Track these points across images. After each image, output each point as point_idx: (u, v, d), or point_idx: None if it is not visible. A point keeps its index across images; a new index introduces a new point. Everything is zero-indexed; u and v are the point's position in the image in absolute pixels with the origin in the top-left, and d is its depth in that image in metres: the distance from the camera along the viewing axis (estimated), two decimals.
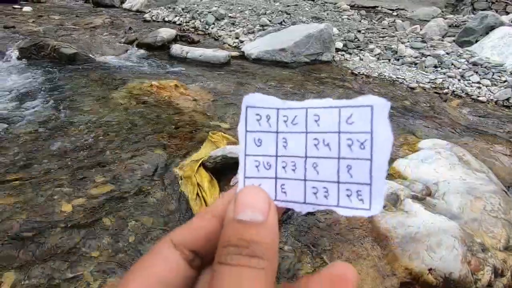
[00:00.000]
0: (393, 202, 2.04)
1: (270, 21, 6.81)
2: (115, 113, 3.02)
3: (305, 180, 0.24)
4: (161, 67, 4.62)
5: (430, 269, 1.60)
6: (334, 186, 0.24)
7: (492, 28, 6.01)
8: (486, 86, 4.65)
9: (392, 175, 2.39)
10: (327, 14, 8.33)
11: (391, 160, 2.61)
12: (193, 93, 3.79)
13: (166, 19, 7.61)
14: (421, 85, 4.70)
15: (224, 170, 2.21)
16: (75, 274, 1.47)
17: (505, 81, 4.68)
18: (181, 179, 2.12)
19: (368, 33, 6.63)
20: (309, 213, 2.11)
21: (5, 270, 1.45)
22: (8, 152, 2.30)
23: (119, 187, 2.06)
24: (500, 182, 2.22)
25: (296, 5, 9.09)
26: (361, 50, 5.91)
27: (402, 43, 5.98)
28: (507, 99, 4.40)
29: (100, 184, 2.07)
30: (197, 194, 1.96)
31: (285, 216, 2.03)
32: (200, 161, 2.18)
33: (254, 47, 5.40)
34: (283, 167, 0.25)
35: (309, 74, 4.91)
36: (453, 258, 1.60)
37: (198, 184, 2.02)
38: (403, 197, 2.04)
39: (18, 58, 4.13)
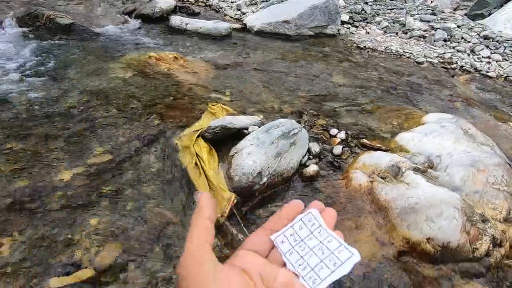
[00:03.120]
0: (394, 174, 2.02)
1: None
2: (112, 84, 2.95)
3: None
4: (159, 39, 4.48)
5: (428, 238, 1.60)
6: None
7: (507, 0, 5.71)
8: (497, 61, 4.48)
9: (393, 149, 2.35)
10: None
11: (394, 135, 2.56)
12: (192, 65, 3.69)
13: None
14: (428, 59, 4.53)
15: (223, 141, 2.18)
16: (72, 238, 1.48)
17: None
18: (180, 149, 2.09)
19: (376, 5, 6.33)
20: (307, 184, 2.09)
21: (4, 235, 1.47)
22: (3, 121, 2.27)
23: (117, 157, 2.04)
24: (505, 155, 2.17)
25: None
26: (367, 23, 5.67)
27: (411, 15, 5.72)
28: None
29: (99, 153, 2.05)
30: (196, 163, 1.94)
31: (285, 186, 2.02)
32: (199, 132, 2.14)
33: (256, 19, 5.19)
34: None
35: (312, 47, 4.75)
36: (453, 228, 1.59)
37: (196, 154, 1.99)
38: (404, 169, 2.01)
39: (12, 28, 4.00)
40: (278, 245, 0.36)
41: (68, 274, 1.31)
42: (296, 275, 0.34)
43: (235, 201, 1.78)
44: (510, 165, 2.04)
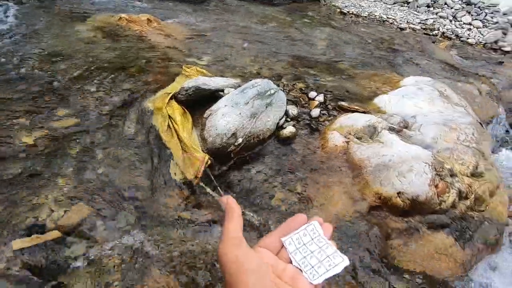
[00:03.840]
0: (370, 134, 2.02)
1: None
2: (79, 46, 2.75)
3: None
4: (132, 1, 4.16)
5: (399, 193, 1.64)
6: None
7: None
8: (477, 28, 4.49)
9: (371, 111, 2.34)
10: None
11: (373, 97, 2.55)
12: (167, 28, 3.47)
13: None
14: (411, 25, 4.48)
15: (198, 104, 2.10)
16: (36, 202, 1.41)
17: (496, 23, 4.52)
18: (152, 112, 2.00)
19: None
20: (284, 146, 2.08)
21: None
22: None
23: (85, 120, 1.93)
24: (476, 115, 2.22)
25: None
26: None
27: None
28: (495, 42, 4.29)
29: (63, 117, 1.94)
30: (168, 126, 1.86)
31: (262, 148, 2.00)
32: (172, 94, 2.04)
33: None
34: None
35: (295, 12, 4.57)
36: (422, 182, 1.63)
37: (169, 116, 1.91)
38: (380, 129, 2.02)
39: None
40: (286, 246, 0.46)
41: (30, 235, 1.26)
42: (300, 270, 0.43)
43: (209, 162, 1.75)
44: (481, 124, 2.08)
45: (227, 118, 1.82)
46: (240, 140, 1.85)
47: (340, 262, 0.44)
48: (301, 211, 1.70)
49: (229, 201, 0.47)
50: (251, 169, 1.89)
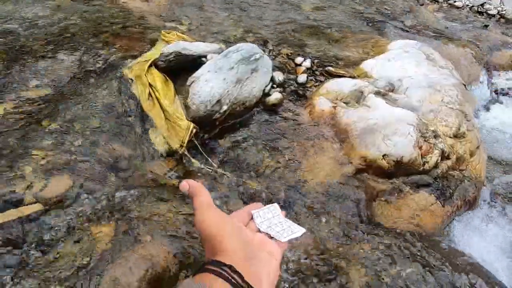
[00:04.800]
0: (356, 98, 2.01)
1: None
2: (46, 11, 2.52)
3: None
4: None
5: (384, 155, 1.67)
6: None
7: None
8: None
9: (358, 76, 2.31)
10: None
11: (360, 62, 2.50)
12: None
13: None
14: None
15: (180, 71, 2.00)
16: (13, 174, 1.35)
17: None
18: (131, 80, 1.90)
19: None
20: (271, 113, 2.04)
21: None
22: None
23: (58, 90, 1.82)
24: (461, 77, 2.23)
25: None
26: None
27: None
28: (482, 5, 4.24)
29: (35, 87, 1.81)
30: (149, 94, 1.78)
31: (248, 116, 1.95)
32: (151, 60, 1.93)
33: None
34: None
35: None
36: (406, 144, 1.65)
37: (150, 85, 1.82)
38: (367, 93, 2.01)
39: None
40: (255, 218, 0.53)
41: (7, 210, 1.22)
42: (267, 235, 0.51)
43: (194, 130, 1.70)
44: (464, 85, 2.10)
45: (210, 84, 1.74)
46: (225, 107, 1.80)
47: (298, 230, 0.53)
48: (289, 176, 1.71)
49: (189, 183, 0.50)
50: (237, 136, 1.86)
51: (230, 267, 0.39)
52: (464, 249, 1.61)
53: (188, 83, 1.87)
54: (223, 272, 0.38)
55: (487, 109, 2.70)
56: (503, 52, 3.18)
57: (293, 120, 1.99)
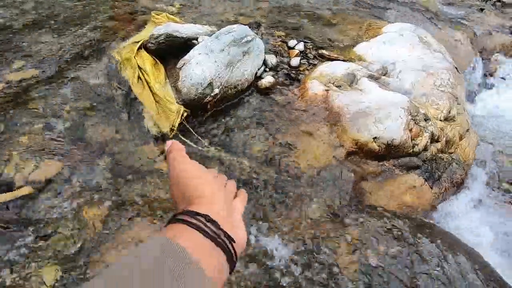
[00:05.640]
0: (349, 82, 2.00)
1: None
2: None
3: None
4: None
5: (375, 138, 1.68)
6: None
7: None
8: None
9: (352, 59, 2.29)
10: None
11: (354, 45, 2.48)
12: None
13: None
14: None
15: (170, 54, 1.96)
16: (3, 157, 1.33)
17: None
18: (121, 63, 1.85)
19: None
20: (263, 96, 2.03)
21: None
22: None
23: (45, 73, 1.77)
24: (453, 61, 2.22)
25: None
26: None
27: None
28: None
29: (21, 68, 1.76)
30: (139, 77, 1.75)
31: (240, 99, 1.94)
32: (141, 42, 1.88)
33: None
34: None
35: None
36: (397, 127, 1.66)
37: (139, 67, 1.78)
38: (360, 76, 2.00)
39: None
40: None
41: None
42: None
43: (185, 114, 1.69)
44: (456, 69, 2.09)
45: (201, 67, 1.72)
46: (216, 90, 1.78)
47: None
48: (281, 158, 1.72)
49: (167, 142, 0.51)
50: (229, 120, 1.86)
51: (205, 216, 0.35)
52: (451, 229, 1.65)
53: (178, 65, 1.84)
54: (196, 222, 0.34)
55: (480, 92, 2.71)
56: (497, 36, 3.17)
57: (286, 103, 1.98)
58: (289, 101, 2.00)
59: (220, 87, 1.79)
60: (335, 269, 1.34)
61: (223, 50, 1.79)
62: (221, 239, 0.35)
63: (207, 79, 1.72)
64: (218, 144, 1.72)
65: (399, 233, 1.48)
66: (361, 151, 1.71)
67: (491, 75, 2.87)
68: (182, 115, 1.66)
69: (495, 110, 2.52)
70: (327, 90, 1.97)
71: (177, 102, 1.70)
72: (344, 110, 1.83)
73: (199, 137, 1.66)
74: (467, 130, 1.93)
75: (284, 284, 1.28)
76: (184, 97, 1.71)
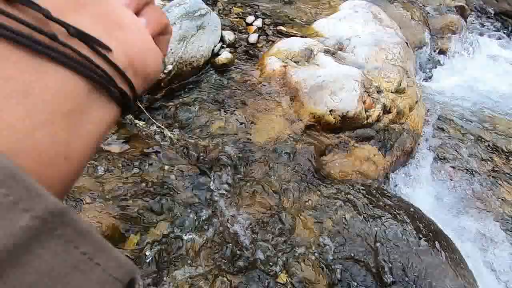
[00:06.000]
0: (306, 57, 2.01)
1: None
2: None
3: None
4: None
5: (331, 110, 1.71)
6: None
7: None
8: None
9: (310, 35, 2.30)
10: None
11: (312, 21, 2.48)
12: None
13: None
14: None
15: None
16: None
17: None
18: None
19: None
20: (221, 73, 1.98)
21: None
22: None
23: None
24: (404, 36, 2.32)
25: None
26: None
27: None
28: None
29: None
30: None
31: (197, 76, 1.87)
32: None
33: None
34: None
35: None
36: (351, 99, 1.71)
37: None
38: (316, 52, 2.01)
39: None
40: None
41: None
42: None
43: None
44: (407, 43, 2.19)
45: None
46: (170, 67, 1.70)
47: None
48: (240, 135, 1.71)
49: None
50: (186, 98, 1.79)
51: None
52: (402, 195, 1.76)
53: None
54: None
55: (430, 68, 2.88)
56: (447, 16, 3.35)
57: (244, 80, 1.95)
58: (247, 78, 1.97)
59: (174, 63, 1.71)
60: (293, 234, 1.38)
61: (174, 23, 1.70)
62: (67, 49, 0.17)
63: None
64: (174, 123, 1.66)
65: (355, 200, 1.54)
66: (318, 124, 1.74)
67: (441, 52, 3.05)
68: None
69: (443, 84, 2.69)
70: (285, 66, 1.96)
71: None
72: (302, 85, 1.84)
73: (151, 118, 1.59)
74: (416, 102, 2.05)
75: (245, 245, 1.30)
76: None
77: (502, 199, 1.89)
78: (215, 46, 1.98)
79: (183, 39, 1.72)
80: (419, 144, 2.01)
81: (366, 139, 1.78)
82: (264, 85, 1.92)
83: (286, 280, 1.30)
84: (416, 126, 2.00)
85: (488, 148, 2.17)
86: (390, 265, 1.31)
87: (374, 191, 1.64)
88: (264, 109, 1.81)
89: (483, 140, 2.23)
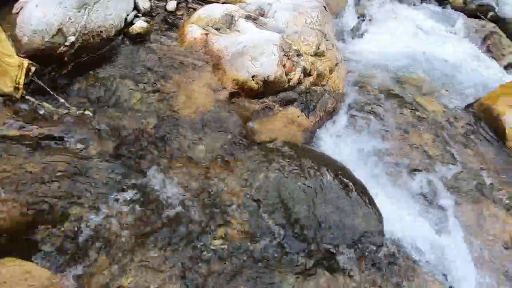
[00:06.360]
0: (227, 24, 1.97)
1: None
2: None
3: None
4: None
5: (253, 76, 1.73)
6: None
7: None
8: None
9: (231, 1, 2.24)
10: None
11: None
12: None
13: None
14: None
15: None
16: None
17: None
18: None
19: None
20: (137, 44, 1.85)
21: None
22: None
23: None
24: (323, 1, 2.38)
25: None
26: None
27: None
28: None
29: None
30: None
31: (109, 48, 1.72)
32: None
33: None
34: None
35: None
36: (271, 63, 1.74)
37: None
38: (237, 17, 1.98)
39: None
40: None
41: None
42: None
43: (33, 69, 1.41)
44: (325, 7, 2.26)
45: (42, 9, 1.42)
46: (72, 38, 1.53)
47: None
48: (163, 108, 1.65)
49: None
50: (99, 72, 1.65)
51: None
52: (325, 150, 1.90)
53: (14, 10, 1.49)
54: None
55: (353, 32, 3.04)
56: None
57: (163, 50, 1.85)
58: (167, 48, 1.87)
59: (77, 34, 1.54)
60: (224, 198, 1.42)
61: None
62: None
63: (54, 25, 1.45)
64: (83, 102, 1.53)
65: (282, 159, 1.62)
66: (242, 91, 1.76)
67: (361, 16, 3.22)
68: (29, 70, 1.39)
69: (362, 47, 2.87)
70: (206, 34, 1.90)
71: (18, 55, 1.40)
72: (224, 52, 1.82)
73: (56, 96, 1.44)
74: (337, 64, 2.17)
75: (177, 214, 1.31)
76: (27, 48, 1.42)
77: (412, 145, 2.15)
78: (127, 15, 1.83)
79: (83, 6, 1.55)
80: (340, 103, 2.15)
81: (289, 102, 1.85)
82: (186, 54, 1.85)
83: (219, 242, 1.35)
84: (337, 87, 2.14)
85: (400, 102, 2.43)
86: (312, 210, 1.43)
87: (299, 150, 1.74)
88: (186, 80, 1.76)
89: (396, 95, 2.48)
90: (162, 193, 1.39)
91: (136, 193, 1.36)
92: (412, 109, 2.41)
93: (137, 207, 1.33)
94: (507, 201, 1.80)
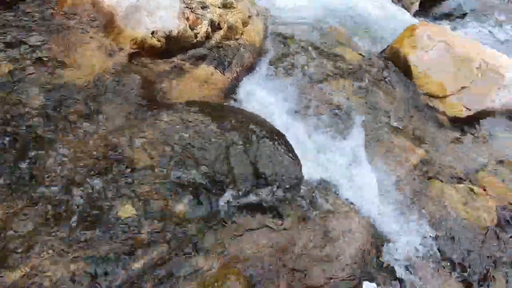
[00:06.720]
0: None
1: None
2: None
3: None
4: None
5: (153, 32, 1.57)
6: None
7: None
8: None
9: None
10: None
11: None
12: None
13: None
14: None
15: None
16: None
17: None
18: None
19: None
20: (10, 9, 1.54)
21: None
22: None
23: None
24: None
25: None
26: None
27: None
28: None
29: None
30: None
31: None
32: None
33: None
34: None
35: None
36: (171, 16, 1.60)
37: None
38: None
39: None
40: None
41: None
42: None
43: None
44: None
45: None
46: None
47: None
48: (50, 78, 1.42)
49: None
50: None
51: None
52: (245, 105, 1.85)
53: None
54: None
55: None
56: None
57: (43, 12, 1.57)
58: (47, 10, 1.59)
59: None
60: (137, 167, 1.31)
61: None
62: None
63: None
64: None
65: (196, 120, 1.53)
66: (143, 51, 1.60)
67: None
68: None
69: (281, 3, 2.81)
70: None
71: None
72: (117, 9, 1.61)
73: None
74: (250, 17, 2.08)
75: (83, 192, 1.17)
76: None
77: (330, 93, 2.22)
78: None
79: None
80: (260, 58, 2.10)
81: (200, 59, 1.74)
82: (71, 15, 1.60)
83: (132, 213, 1.26)
84: (254, 41, 2.07)
85: (320, 53, 2.47)
86: (232, 163, 1.41)
87: (219, 110, 1.67)
88: (74, 44, 1.53)
89: (316, 47, 2.51)
90: (59, 166, 1.23)
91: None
92: (331, 59, 2.47)
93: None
94: (413, 132, 1.99)
